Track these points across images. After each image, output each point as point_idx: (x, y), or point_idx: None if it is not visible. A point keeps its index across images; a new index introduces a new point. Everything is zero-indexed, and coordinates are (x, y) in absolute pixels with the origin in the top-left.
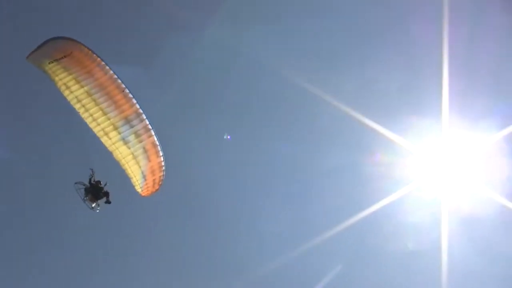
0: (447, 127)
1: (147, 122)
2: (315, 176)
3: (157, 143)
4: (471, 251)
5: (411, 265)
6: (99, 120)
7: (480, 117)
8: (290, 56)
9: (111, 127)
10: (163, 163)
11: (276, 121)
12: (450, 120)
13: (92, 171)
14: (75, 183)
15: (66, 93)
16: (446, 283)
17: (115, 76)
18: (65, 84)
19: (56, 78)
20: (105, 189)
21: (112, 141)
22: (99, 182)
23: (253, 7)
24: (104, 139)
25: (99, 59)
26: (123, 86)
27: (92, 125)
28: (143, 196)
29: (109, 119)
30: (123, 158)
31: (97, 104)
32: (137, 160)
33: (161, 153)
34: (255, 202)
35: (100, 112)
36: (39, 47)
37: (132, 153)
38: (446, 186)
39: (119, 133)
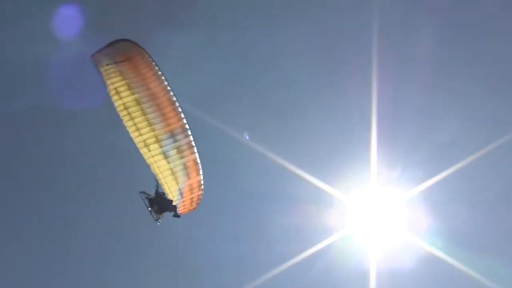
0: (375, 179)
1: (191, 139)
2: (243, 226)
3: (199, 161)
4: None
5: None
6: (143, 131)
7: (405, 170)
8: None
9: (154, 139)
10: (202, 182)
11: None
12: (378, 172)
13: (157, 182)
14: (140, 192)
15: (114, 98)
16: None
17: (168, 88)
18: (116, 89)
19: (108, 82)
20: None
21: (152, 154)
22: (163, 193)
23: None
24: (143, 151)
25: (156, 68)
26: (174, 98)
27: (134, 134)
28: (183, 213)
29: (153, 130)
30: (161, 172)
31: (144, 114)
32: (175, 176)
33: (201, 172)
34: None
35: (146, 122)
36: (105, 46)
37: (171, 169)
38: (373, 234)
39: (161, 146)
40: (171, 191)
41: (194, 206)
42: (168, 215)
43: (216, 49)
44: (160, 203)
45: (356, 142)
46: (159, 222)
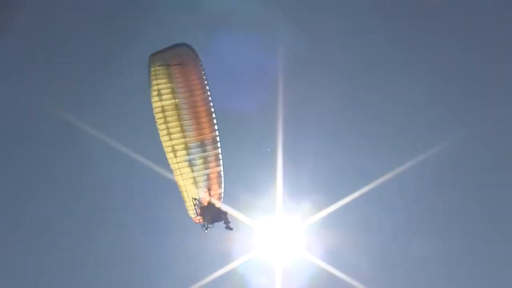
0: (280, 206)
1: (220, 151)
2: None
3: (222, 174)
4: None
5: None
6: (174, 136)
7: (308, 196)
8: None
9: (183, 146)
10: (222, 195)
11: None
12: (283, 199)
13: (209, 190)
14: (193, 198)
15: (155, 99)
16: None
17: (210, 98)
18: (159, 90)
19: (154, 82)
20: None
21: (178, 160)
22: (213, 203)
23: None
24: (169, 155)
25: (204, 77)
26: (213, 109)
27: (164, 138)
28: (197, 223)
29: (184, 137)
30: (183, 180)
31: (179, 120)
32: (197, 186)
33: (223, 185)
34: None
35: (179, 128)
36: (165, 49)
37: (194, 177)
38: (277, 257)
39: (188, 154)
40: (191, 200)
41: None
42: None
43: None
44: (213, 213)
45: (261, 169)
46: (206, 231)
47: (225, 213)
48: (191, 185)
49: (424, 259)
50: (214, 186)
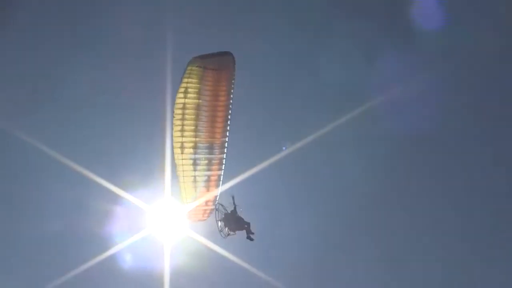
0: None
1: (224, 156)
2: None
3: (221, 178)
4: None
5: None
6: (186, 133)
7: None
8: None
9: (192, 144)
10: (218, 198)
11: None
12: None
13: (233, 199)
14: (218, 203)
15: (179, 95)
16: None
17: (230, 106)
18: (186, 88)
19: (185, 80)
20: (245, 219)
21: (183, 157)
22: (235, 211)
23: None
24: (176, 151)
25: (233, 85)
26: (229, 117)
27: (176, 134)
28: (190, 220)
29: (195, 137)
30: (184, 176)
31: (196, 120)
32: (196, 185)
33: (219, 189)
34: None
35: (193, 127)
36: (209, 54)
37: (195, 176)
38: (168, 237)
39: (195, 153)
40: (187, 197)
41: (206, 218)
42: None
43: None
44: (236, 221)
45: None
46: (225, 237)
47: (248, 224)
48: (191, 183)
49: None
50: (212, 188)
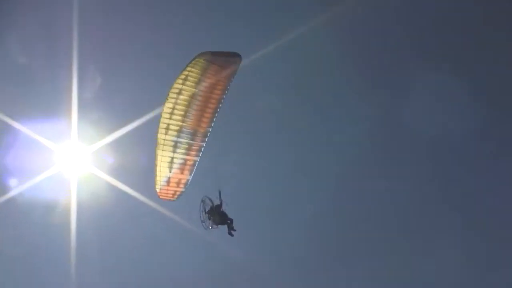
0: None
1: (204, 145)
2: None
3: (197, 165)
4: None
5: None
6: (174, 117)
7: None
8: None
9: (177, 128)
10: (189, 182)
11: None
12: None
13: (220, 194)
14: (206, 196)
15: (178, 81)
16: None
17: (222, 100)
18: (186, 76)
19: (188, 68)
20: (229, 215)
21: (166, 138)
22: (220, 206)
23: None
24: (161, 131)
25: (230, 84)
26: (218, 110)
27: (165, 115)
28: (160, 198)
29: (182, 122)
30: (162, 156)
31: (187, 106)
32: (171, 166)
33: (192, 174)
34: None
35: (182, 113)
36: (222, 52)
37: (172, 158)
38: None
39: (177, 137)
40: (161, 176)
41: (175, 198)
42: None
43: None
44: (221, 216)
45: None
46: (208, 229)
47: (231, 220)
48: (167, 163)
49: None
50: (186, 172)
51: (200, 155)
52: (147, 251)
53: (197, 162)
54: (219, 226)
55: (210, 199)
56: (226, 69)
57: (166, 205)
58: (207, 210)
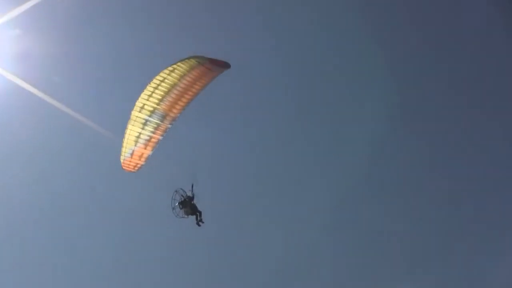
0: None
1: (169, 127)
2: None
3: (159, 143)
4: None
5: None
6: (151, 99)
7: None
8: None
9: (151, 109)
10: (149, 157)
11: None
12: None
13: (192, 187)
14: (180, 188)
15: (165, 71)
16: None
17: (196, 96)
18: (174, 69)
19: (178, 64)
20: (198, 207)
21: (138, 116)
22: (192, 198)
23: None
24: (136, 109)
25: (206, 85)
26: (191, 102)
27: (143, 96)
28: (122, 168)
29: (157, 105)
30: (131, 130)
31: (165, 93)
32: (137, 141)
33: (153, 150)
34: None
35: (159, 97)
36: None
37: (140, 134)
38: None
39: (149, 116)
40: (126, 148)
41: (135, 170)
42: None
43: None
44: (192, 207)
45: None
46: (179, 218)
47: (200, 212)
48: (134, 138)
49: None
50: (149, 148)
51: (165, 135)
52: None
53: (159, 141)
54: (189, 216)
55: (183, 191)
56: (213, 72)
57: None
58: (180, 200)
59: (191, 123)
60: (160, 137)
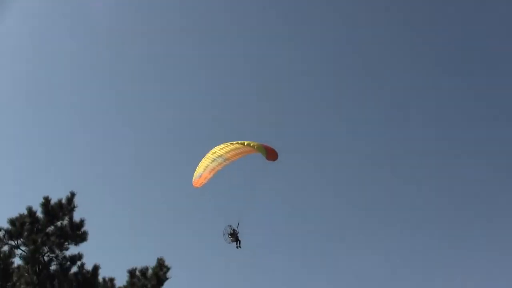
0: None
1: (224, 167)
2: None
3: (217, 172)
4: None
5: None
6: (219, 149)
7: None
8: None
9: (219, 153)
10: (209, 179)
11: None
12: None
13: (238, 225)
14: (229, 225)
15: (235, 141)
16: None
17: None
18: (243, 143)
19: (246, 142)
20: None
21: (209, 156)
22: (237, 231)
23: None
24: (210, 151)
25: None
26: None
27: (216, 147)
28: (193, 185)
29: (221, 152)
30: (202, 163)
31: (228, 149)
32: (205, 169)
33: (212, 177)
34: None
35: (224, 151)
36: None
37: (208, 165)
38: None
39: (215, 157)
40: (197, 172)
41: (199, 186)
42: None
43: None
44: (236, 237)
45: None
46: (227, 243)
47: (239, 241)
48: (203, 167)
49: None
50: (211, 174)
51: (220, 170)
52: None
53: (217, 172)
54: (233, 243)
55: (231, 227)
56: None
57: None
58: (229, 232)
59: None
60: (219, 169)
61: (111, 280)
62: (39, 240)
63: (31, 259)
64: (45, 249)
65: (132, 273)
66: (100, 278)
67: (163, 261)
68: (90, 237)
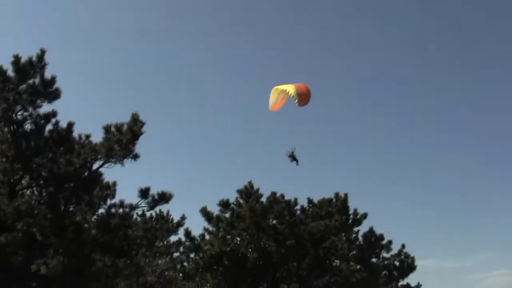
0: None
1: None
2: None
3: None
4: None
5: None
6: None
7: None
8: None
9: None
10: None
11: None
12: None
13: (295, 149)
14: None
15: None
16: None
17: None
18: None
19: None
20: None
21: (275, 91)
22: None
23: None
24: (274, 89)
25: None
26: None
27: (281, 87)
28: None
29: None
30: (273, 95)
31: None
32: (276, 100)
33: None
34: None
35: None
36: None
37: (276, 98)
38: None
39: (279, 93)
40: (271, 101)
41: (276, 110)
42: None
43: None
44: (293, 158)
45: None
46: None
47: (297, 160)
48: (274, 98)
49: None
50: (280, 104)
51: (285, 102)
52: None
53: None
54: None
55: (293, 151)
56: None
57: None
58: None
59: None
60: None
61: (87, 136)
62: (11, 98)
63: (4, 117)
64: (18, 107)
65: (107, 129)
66: (75, 135)
67: (138, 116)
68: (64, 94)
